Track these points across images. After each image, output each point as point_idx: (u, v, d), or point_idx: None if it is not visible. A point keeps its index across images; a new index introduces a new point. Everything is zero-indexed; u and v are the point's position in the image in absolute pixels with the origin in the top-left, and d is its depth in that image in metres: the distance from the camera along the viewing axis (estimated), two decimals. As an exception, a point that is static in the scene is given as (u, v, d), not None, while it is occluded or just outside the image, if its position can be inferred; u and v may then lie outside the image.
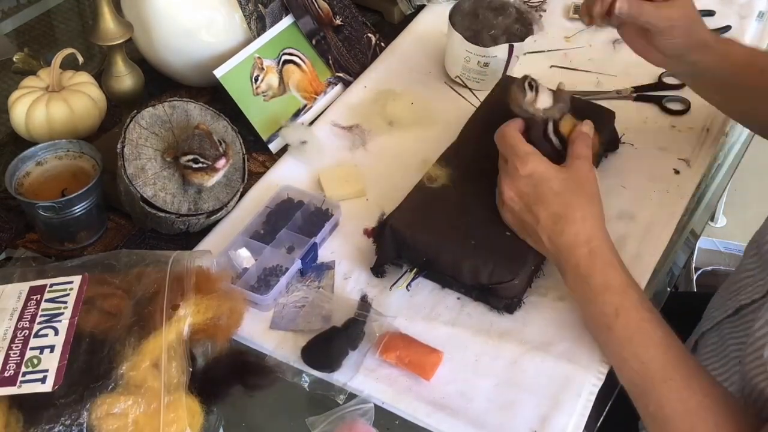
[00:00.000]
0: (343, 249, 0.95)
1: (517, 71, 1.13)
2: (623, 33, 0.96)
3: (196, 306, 0.74)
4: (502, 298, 0.86)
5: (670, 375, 0.75)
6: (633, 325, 0.78)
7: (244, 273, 0.89)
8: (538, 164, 0.84)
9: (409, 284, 0.89)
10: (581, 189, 0.84)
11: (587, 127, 0.90)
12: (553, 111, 0.88)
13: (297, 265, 0.90)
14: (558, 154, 0.88)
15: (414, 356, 0.82)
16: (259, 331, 0.86)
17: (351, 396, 0.81)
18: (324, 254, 0.94)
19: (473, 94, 1.16)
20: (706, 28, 0.93)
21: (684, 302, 1.18)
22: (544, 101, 0.88)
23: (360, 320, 0.84)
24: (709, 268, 1.71)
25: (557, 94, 0.89)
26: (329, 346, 0.82)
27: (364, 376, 0.82)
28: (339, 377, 0.82)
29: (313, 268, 0.92)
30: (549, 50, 1.25)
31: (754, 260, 0.88)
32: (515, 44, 1.11)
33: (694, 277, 1.69)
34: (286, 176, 1.03)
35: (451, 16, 1.14)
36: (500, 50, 1.11)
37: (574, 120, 0.90)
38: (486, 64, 1.13)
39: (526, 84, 0.88)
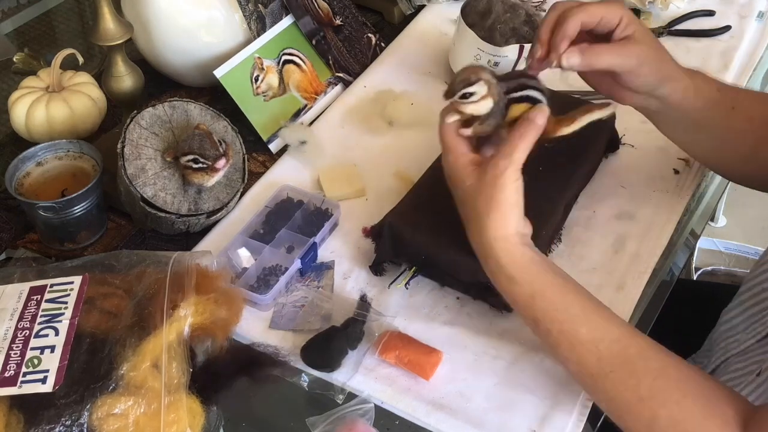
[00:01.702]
0: (342, 249, 0.95)
1: (518, 71, 1.13)
2: (585, 77, 0.89)
3: (196, 306, 0.74)
4: (500, 296, 0.86)
5: (609, 368, 0.72)
6: (554, 332, 0.76)
7: (244, 273, 0.89)
8: (451, 166, 0.80)
9: (407, 282, 0.89)
10: (476, 200, 0.77)
11: (540, 114, 0.78)
12: (495, 112, 0.79)
13: (296, 264, 0.90)
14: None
15: (413, 356, 0.82)
16: (259, 330, 0.86)
17: (350, 396, 0.81)
18: (323, 254, 0.94)
19: (474, 93, 1.16)
20: (673, 58, 0.87)
21: (690, 293, 1.16)
22: (484, 106, 0.79)
23: (359, 320, 0.84)
24: (709, 268, 1.71)
25: (491, 84, 0.78)
26: (328, 345, 0.82)
27: (364, 376, 0.82)
28: (338, 377, 0.82)
29: (313, 268, 0.92)
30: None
31: None
32: (525, 45, 1.10)
33: (694, 277, 1.69)
34: (286, 176, 1.03)
35: (463, 13, 1.13)
36: (511, 50, 1.10)
37: (522, 108, 0.81)
38: (496, 64, 1.12)
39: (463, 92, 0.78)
